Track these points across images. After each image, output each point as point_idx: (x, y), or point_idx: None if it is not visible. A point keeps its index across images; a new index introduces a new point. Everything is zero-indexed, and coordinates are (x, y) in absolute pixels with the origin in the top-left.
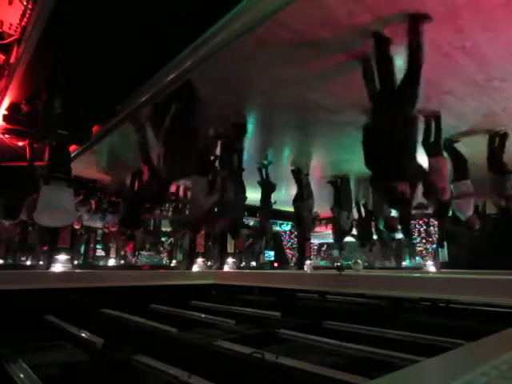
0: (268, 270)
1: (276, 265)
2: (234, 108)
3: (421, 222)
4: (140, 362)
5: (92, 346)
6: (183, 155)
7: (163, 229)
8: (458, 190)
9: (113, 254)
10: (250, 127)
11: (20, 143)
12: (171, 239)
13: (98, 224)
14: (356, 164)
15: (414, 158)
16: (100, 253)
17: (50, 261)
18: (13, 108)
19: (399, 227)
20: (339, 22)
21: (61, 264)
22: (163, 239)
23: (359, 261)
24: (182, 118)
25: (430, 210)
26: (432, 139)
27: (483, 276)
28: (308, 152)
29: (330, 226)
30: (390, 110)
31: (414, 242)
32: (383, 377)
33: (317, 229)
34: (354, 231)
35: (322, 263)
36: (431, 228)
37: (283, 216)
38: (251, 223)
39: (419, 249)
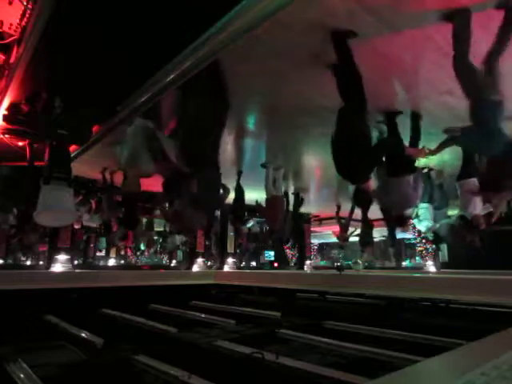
0: (268, 270)
1: (276, 265)
2: (233, 107)
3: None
4: (140, 361)
5: (92, 346)
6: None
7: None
8: (464, 188)
9: (113, 254)
10: (250, 127)
11: (20, 143)
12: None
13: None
14: None
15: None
16: (100, 253)
17: (50, 261)
18: (13, 108)
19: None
20: (339, 21)
21: (61, 264)
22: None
23: (359, 261)
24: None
25: None
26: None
27: (483, 276)
28: (308, 152)
29: (329, 226)
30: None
31: (414, 241)
32: (383, 377)
33: (317, 229)
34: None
35: (322, 263)
36: None
37: None
38: (251, 223)
39: (419, 249)
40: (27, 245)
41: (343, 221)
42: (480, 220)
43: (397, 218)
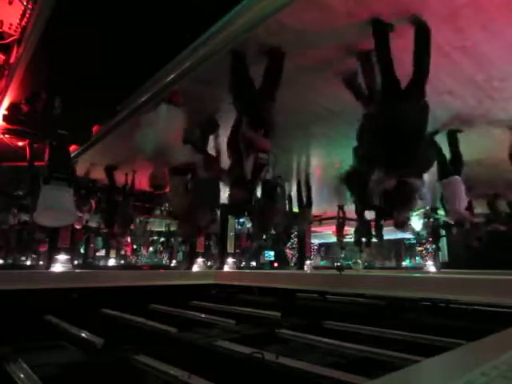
0: (268, 270)
1: (276, 265)
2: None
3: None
4: (140, 361)
5: (92, 346)
6: None
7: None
8: (447, 186)
9: (113, 254)
10: None
11: (20, 143)
12: (171, 239)
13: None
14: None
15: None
16: (100, 253)
17: (50, 261)
18: (13, 108)
19: None
20: (339, 21)
21: (61, 264)
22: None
23: (359, 261)
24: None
25: None
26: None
27: (483, 276)
28: (308, 152)
29: (329, 226)
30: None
31: (414, 241)
32: (383, 377)
33: (317, 229)
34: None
35: (322, 263)
36: None
37: None
38: (250, 224)
39: (419, 249)
40: (36, 242)
41: (341, 220)
42: (464, 218)
43: (401, 220)
